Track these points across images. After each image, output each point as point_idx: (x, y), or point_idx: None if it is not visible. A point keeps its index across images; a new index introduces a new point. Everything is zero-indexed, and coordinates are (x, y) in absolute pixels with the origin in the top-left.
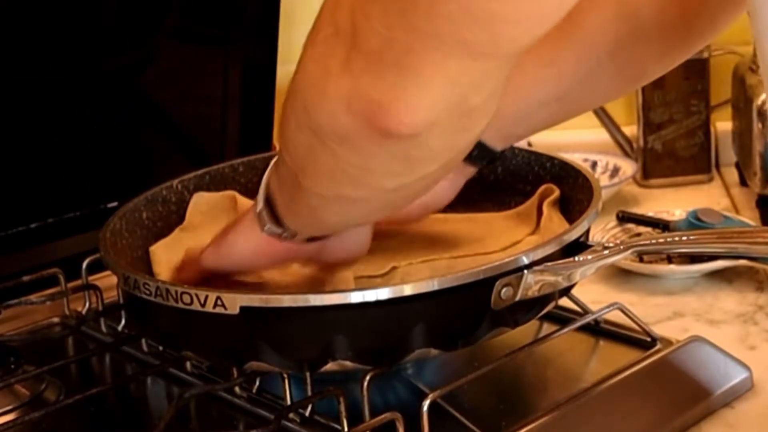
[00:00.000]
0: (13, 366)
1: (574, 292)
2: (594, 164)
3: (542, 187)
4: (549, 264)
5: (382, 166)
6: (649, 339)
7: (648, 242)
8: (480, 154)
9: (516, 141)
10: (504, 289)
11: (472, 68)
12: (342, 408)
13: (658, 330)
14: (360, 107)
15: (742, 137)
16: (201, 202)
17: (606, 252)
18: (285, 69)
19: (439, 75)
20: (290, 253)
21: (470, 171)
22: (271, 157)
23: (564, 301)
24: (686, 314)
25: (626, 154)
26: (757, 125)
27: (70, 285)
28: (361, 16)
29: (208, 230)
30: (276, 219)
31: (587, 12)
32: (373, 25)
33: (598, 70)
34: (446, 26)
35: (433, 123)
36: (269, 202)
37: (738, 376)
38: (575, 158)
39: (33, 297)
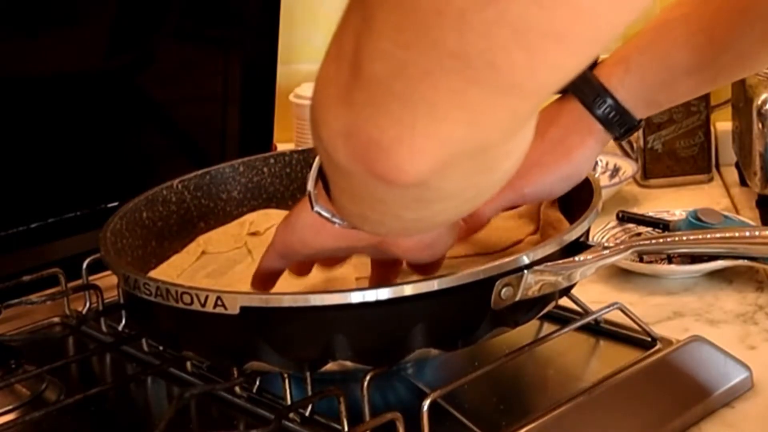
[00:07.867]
0: (13, 366)
1: (574, 292)
2: (594, 164)
3: None
4: (549, 264)
5: (394, 202)
6: (649, 339)
7: (648, 242)
8: (620, 120)
9: (658, 109)
10: (504, 289)
11: (496, 104)
12: (342, 408)
13: (658, 330)
14: (357, 147)
15: (742, 137)
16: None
17: (606, 252)
18: (285, 69)
19: (456, 108)
20: (349, 235)
21: (607, 138)
22: (270, 157)
23: (564, 301)
24: (686, 314)
25: (626, 154)
26: (757, 125)
27: (71, 285)
28: (368, 34)
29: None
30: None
31: None
32: (382, 45)
33: (751, 36)
34: (477, 42)
35: (443, 168)
36: (324, 181)
37: (738, 375)
38: None
39: (33, 297)
